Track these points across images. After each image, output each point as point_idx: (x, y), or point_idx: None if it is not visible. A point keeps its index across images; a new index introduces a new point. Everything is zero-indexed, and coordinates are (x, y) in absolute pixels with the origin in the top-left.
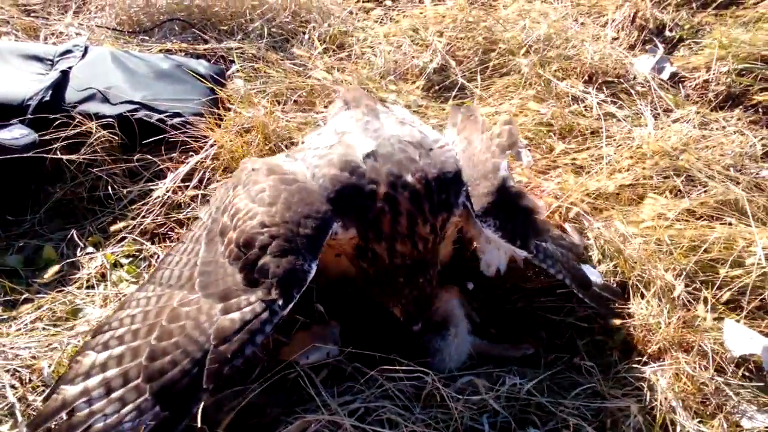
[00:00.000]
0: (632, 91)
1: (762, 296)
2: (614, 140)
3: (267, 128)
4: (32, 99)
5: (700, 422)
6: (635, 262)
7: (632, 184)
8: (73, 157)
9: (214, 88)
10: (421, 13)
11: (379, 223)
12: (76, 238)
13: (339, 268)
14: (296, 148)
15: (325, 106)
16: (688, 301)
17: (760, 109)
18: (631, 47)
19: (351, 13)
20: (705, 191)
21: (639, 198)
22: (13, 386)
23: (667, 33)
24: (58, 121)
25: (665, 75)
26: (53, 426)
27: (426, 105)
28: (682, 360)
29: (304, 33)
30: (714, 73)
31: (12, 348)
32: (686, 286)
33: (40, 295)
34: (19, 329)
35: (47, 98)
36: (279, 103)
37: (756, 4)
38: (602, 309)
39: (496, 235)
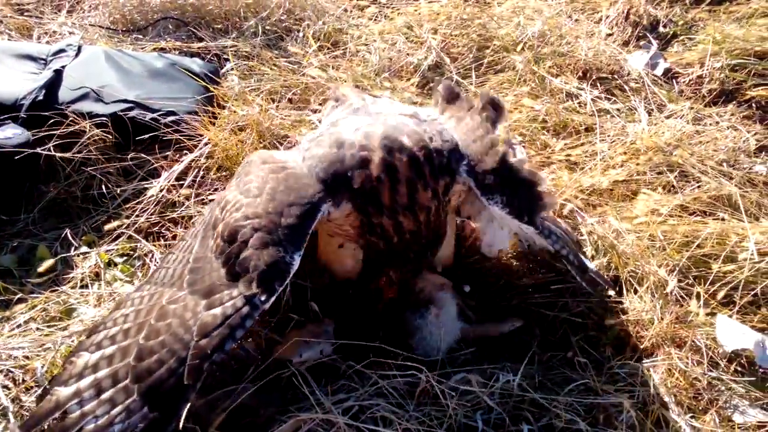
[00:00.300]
0: (626, 87)
1: (754, 291)
2: (608, 136)
3: (261, 126)
4: (25, 98)
5: (692, 417)
6: (628, 258)
7: (626, 180)
8: (66, 155)
9: (209, 86)
10: (416, 10)
11: (378, 195)
12: (70, 238)
13: (344, 268)
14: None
15: (320, 104)
16: (681, 296)
17: (753, 105)
18: (625, 43)
19: (345, 10)
20: (698, 187)
21: (632, 194)
22: (6, 387)
23: (661, 29)
24: (52, 120)
25: (659, 71)
26: (46, 427)
27: (421, 102)
28: (675, 355)
29: (298, 31)
30: (707, 69)
31: (5, 348)
32: (679, 281)
33: (34, 295)
34: (13, 329)
35: (41, 97)
36: (273, 101)
37: None
38: (596, 293)
39: (504, 211)
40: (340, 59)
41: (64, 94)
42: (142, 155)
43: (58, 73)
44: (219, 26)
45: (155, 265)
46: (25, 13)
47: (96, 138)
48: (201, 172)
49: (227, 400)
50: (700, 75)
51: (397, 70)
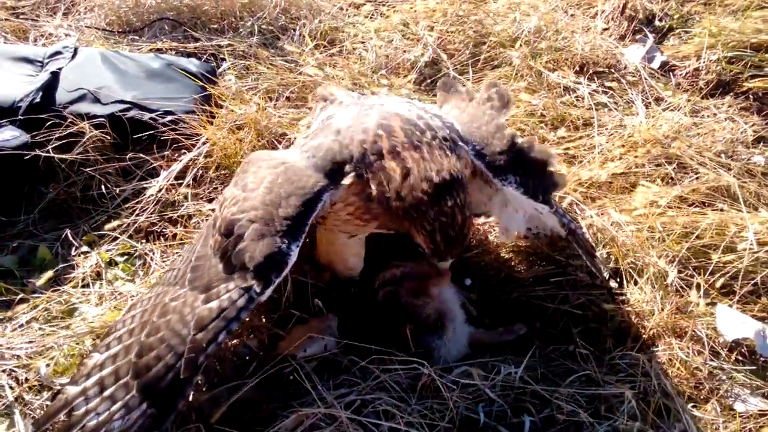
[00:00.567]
0: (623, 81)
1: (754, 281)
2: (606, 129)
3: (259, 125)
4: (23, 101)
5: (693, 407)
6: (628, 250)
7: (624, 173)
8: (65, 156)
9: (206, 86)
10: (412, 7)
11: (378, 146)
12: (71, 238)
13: (346, 266)
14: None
15: (316, 102)
16: (681, 287)
17: (750, 96)
18: (622, 37)
19: (341, 8)
20: (697, 178)
21: (631, 186)
22: (10, 386)
23: (657, 22)
24: (50, 122)
25: (656, 64)
26: (56, 426)
27: (418, 98)
28: (676, 345)
29: (294, 29)
30: (704, 62)
31: (8, 348)
32: (679, 272)
33: (36, 295)
34: (15, 329)
35: (38, 99)
36: (271, 100)
37: None
38: (603, 277)
39: (518, 191)
40: (337, 57)
41: (61, 95)
42: (141, 155)
43: (55, 75)
44: (215, 26)
45: (156, 264)
46: (21, 16)
47: (94, 139)
48: (200, 171)
49: (230, 395)
50: (696, 68)
51: (394, 67)
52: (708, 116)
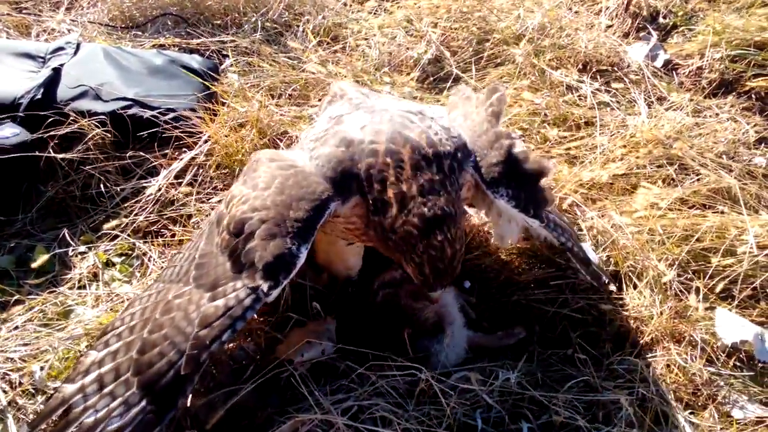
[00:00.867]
0: (626, 80)
1: (753, 285)
2: (608, 129)
3: (262, 122)
4: (24, 97)
5: (691, 413)
6: (628, 253)
7: (625, 174)
8: (66, 155)
9: (208, 83)
10: (415, 3)
11: (384, 175)
12: (68, 238)
13: (345, 266)
14: (294, 144)
15: (319, 99)
16: (681, 290)
17: (753, 96)
18: (625, 35)
19: (345, 4)
20: (698, 180)
21: (632, 187)
22: (3, 390)
23: (661, 20)
24: (51, 119)
25: (659, 62)
26: (53, 424)
27: (421, 96)
28: (674, 351)
29: (297, 26)
30: (707, 60)
31: (2, 351)
32: (678, 275)
33: (32, 297)
34: (10, 331)
35: (39, 96)
36: (273, 97)
37: None
38: (601, 286)
39: (509, 205)
40: (340, 54)
41: (63, 92)
42: (141, 153)
43: (57, 72)
44: (218, 22)
45: (154, 264)
46: (23, 11)
47: (95, 137)
48: (200, 170)
49: (226, 400)
50: (699, 66)
51: (397, 64)
52: (710, 116)
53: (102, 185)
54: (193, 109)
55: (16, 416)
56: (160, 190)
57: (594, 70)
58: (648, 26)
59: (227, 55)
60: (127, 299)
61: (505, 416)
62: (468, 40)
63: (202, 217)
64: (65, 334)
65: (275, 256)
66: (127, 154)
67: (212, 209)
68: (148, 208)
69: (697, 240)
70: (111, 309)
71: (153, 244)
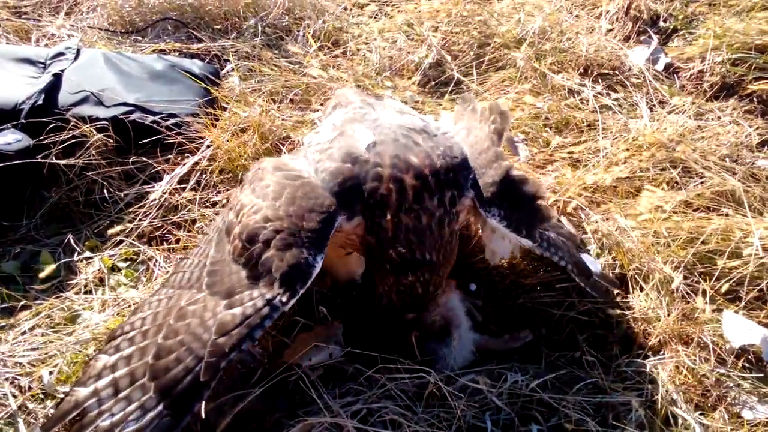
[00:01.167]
0: (627, 83)
1: (760, 286)
2: (611, 132)
3: (263, 127)
4: (25, 103)
5: (701, 414)
6: (634, 255)
7: (629, 177)
8: (68, 161)
9: (209, 88)
10: (416, 7)
11: (386, 200)
12: (73, 243)
13: (347, 269)
14: (297, 149)
15: (321, 104)
16: (687, 293)
17: (755, 99)
18: (626, 39)
19: (345, 9)
20: (702, 182)
21: (636, 191)
22: (13, 395)
23: (661, 24)
24: (52, 125)
25: (660, 66)
26: (65, 427)
27: (422, 100)
28: (682, 352)
29: (298, 30)
30: (708, 63)
31: (11, 356)
32: (685, 278)
33: (38, 302)
34: (17, 337)
35: (40, 102)
36: (275, 102)
37: None
38: (602, 296)
39: (501, 225)
40: (341, 58)
41: (64, 98)
42: (144, 159)
43: (58, 77)
44: (218, 27)
45: (159, 269)
46: (23, 16)
47: (97, 142)
48: (203, 175)
49: (234, 404)
50: (701, 69)
51: (398, 68)
52: (712, 119)
53: (105, 191)
54: (194, 114)
55: (26, 420)
56: (163, 195)
57: (595, 73)
58: (648, 30)
59: (228, 60)
60: (134, 304)
61: (515, 419)
62: (469, 44)
63: (207, 222)
64: (73, 339)
65: (291, 265)
66: (130, 160)
67: (216, 214)
68: (152, 214)
69: (703, 242)
70: (117, 314)
71: (158, 249)
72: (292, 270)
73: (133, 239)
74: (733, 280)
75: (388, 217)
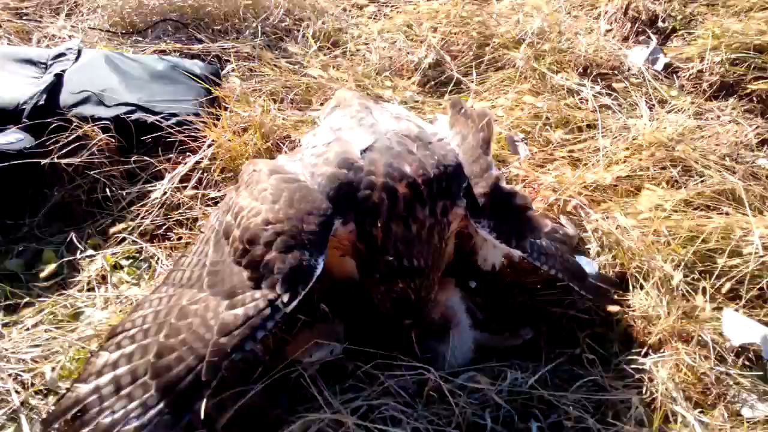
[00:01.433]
0: (627, 83)
1: (760, 285)
2: (610, 132)
3: (264, 127)
4: (27, 103)
5: (701, 412)
6: (634, 254)
7: (629, 176)
8: (71, 160)
9: (210, 88)
10: (415, 8)
11: (378, 209)
12: (76, 241)
13: (344, 270)
14: (294, 150)
15: (321, 104)
16: (687, 291)
17: (754, 98)
18: (625, 39)
19: (344, 10)
20: (702, 181)
21: (636, 189)
22: (16, 391)
23: (660, 24)
24: (54, 125)
25: (659, 66)
26: (67, 423)
27: (422, 101)
28: (682, 350)
29: (298, 31)
30: (707, 63)
31: (14, 352)
32: (685, 276)
33: (41, 299)
34: (21, 333)
35: (42, 102)
36: (275, 102)
37: None
38: (598, 299)
39: (491, 236)
40: (341, 59)
41: (66, 98)
42: (146, 158)
43: (59, 77)
44: (218, 27)
45: (161, 266)
46: (24, 17)
47: (99, 142)
48: (205, 174)
49: (236, 400)
50: (700, 69)
51: (398, 68)
52: (712, 118)
53: (107, 189)
54: (196, 114)
55: (29, 416)
56: (165, 193)
57: (594, 73)
58: (647, 30)
59: (228, 61)
60: (136, 301)
61: (515, 416)
62: (468, 44)
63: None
64: (75, 336)
65: (293, 267)
66: (132, 159)
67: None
68: (154, 212)
69: (703, 241)
70: (120, 311)
71: (160, 247)
72: (294, 271)
73: (136, 237)
74: (733, 279)
75: (379, 224)
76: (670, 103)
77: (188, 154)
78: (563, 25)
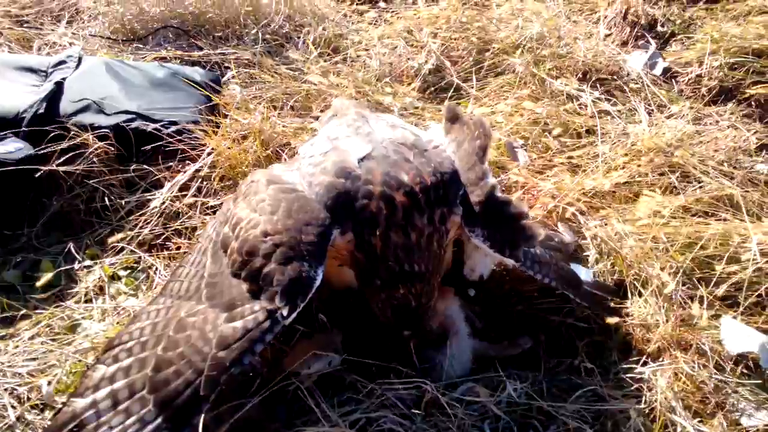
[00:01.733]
0: (626, 88)
1: (758, 292)
2: (609, 137)
3: (264, 134)
4: (27, 111)
5: (700, 422)
6: (632, 261)
7: (628, 182)
8: (69, 168)
9: (210, 95)
10: (415, 14)
11: (376, 219)
12: (74, 251)
13: (342, 279)
14: (291, 159)
15: (321, 111)
16: (685, 299)
17: (752, 103)
18: (624, 44)
19: (345, 16)
20: (700, 187)
21: (635, 196)
22: (11, 405)
23: (659, 28)
24: (54, 133)
25: (658, 70)
26: None
27: (422, 106)
28: (681, 359)
29: (298, 37)
30: (706, 68)
31: (10, 366)
32: (683, 283)
33: (38, 311)
34: (17, 346)
35: (42, 110)
36: (275, 108)
37: None
38: (594, 306)
39: (485, 245)
40: (341, 65)
41: (66, 106)
42: (145, 166)
43: (59, 85)
44: (219, 34)
45: (160, 277)
46: (25, 25)
47: (99, 150)
48: (205, 182)
49: (233, 413)
50: (699, 74)
51: (398, 74)
52: (711, 124)
53: (106, 198)
54: (195, 122)
55: (25, 431)
56: (164, 202)
57: (594, 78)
58: (646, 35)
59: (229, 67)
60: (134, 312)
61: (514, 427)
62: (468, 50)
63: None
64: (72, 348)
65: (292, 279)
66: (131, 167)
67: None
68: (152, 221)
69: (701, 247)
70: (117, 323)
71: (158, 257)
72: (293, 283)
73: (134, 247)
74: (731, 286)
75: (377, 234)
76: (668, 108)
77: (188, 162)
78: (562, 30)
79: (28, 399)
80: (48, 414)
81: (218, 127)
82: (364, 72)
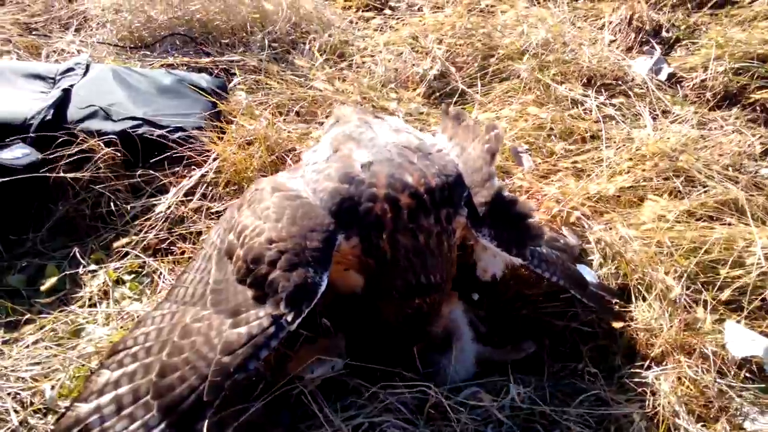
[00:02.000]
0: (630, 93)
1: (762, 296)
2: (614, 142)
3: (269, 140)
4: (34, 118)
5: (703, 426)
6: (636, 265)
7: (632, 186)
8: (76, 175)
9: (216, 101)
10: (421, 20)
11: (382, 221)
12: (79, 256)
13: (347, 284)
14: (295, 166)
15: (327, 116)
16: (690, 303)
17: (757, 108)
18: (629, 49)
19: (351, 22)
20: (705, 192)
21: (639, 200)
22: (14, 410)
23: (664, 34)
24: (61, 140)
25: (663, 76)
26: None
27: (427, 112)
28: (685, 363)
29: (304, 44)
30: (711, 73)
31: (14, 370)
32: (687, 287)
33: (43, 315)
34: (21, 351)
35: (49, 117)
36: (281, 114)
37: (751, 2)
38: (600, 308)
39: (492, 244)
40: (347, 71)
41: (73, 112)
42: (151, 172)
43: (67, 92)
44: (225, 41)
45: (164, 281)
46: (33, 33)
47: (105, 156)
48: (210, 188)
49: (236, 418)
50: (703, 79)
51: (404, 80)
52: (715, 128)
53: (112, 204)
54: (201, 128)
55: None
56: (169, 207)
57: (598, 84)
58: (651, 40)
59: (235, 74)
60: (138, 317)
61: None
62: (473, 55)
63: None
64: (76, 353)
65: (297, 285)
66: (137, 173)
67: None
68: (158, 226)
69: (706, 252)
70: (121, 327)
71: (163, 262)
72: (298, 290)
73: (139, 252)
74: (735, 290)
75: (384, 237)
76: (673, 113)
77: (193, 167)
78: (567, 36)
79: (32, 403)
80: (51, 418)
81: (224, 132)
82: (370, 78)
